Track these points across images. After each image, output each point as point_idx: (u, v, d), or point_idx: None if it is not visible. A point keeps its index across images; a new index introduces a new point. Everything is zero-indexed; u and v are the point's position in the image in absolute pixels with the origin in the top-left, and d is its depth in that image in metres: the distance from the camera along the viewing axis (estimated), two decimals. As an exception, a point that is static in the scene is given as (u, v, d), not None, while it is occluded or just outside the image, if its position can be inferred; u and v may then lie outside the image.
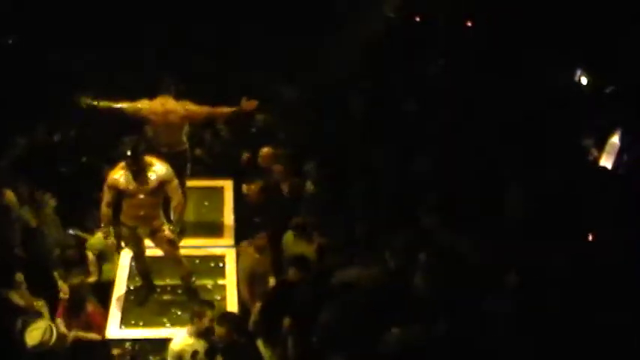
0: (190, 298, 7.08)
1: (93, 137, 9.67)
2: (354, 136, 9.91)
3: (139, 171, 6.51)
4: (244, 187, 8.15)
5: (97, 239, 7.64)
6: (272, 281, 7.32)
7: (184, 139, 7.63)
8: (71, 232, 8.11)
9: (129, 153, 6.53)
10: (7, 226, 7.63)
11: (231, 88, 10.62)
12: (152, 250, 7.11)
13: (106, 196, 6.65)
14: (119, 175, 6.58)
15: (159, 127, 7.43)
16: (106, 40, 11.60)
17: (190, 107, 7.43)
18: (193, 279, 7.22)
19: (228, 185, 8.63)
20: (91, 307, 6.91)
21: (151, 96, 7.46)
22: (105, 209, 6.67)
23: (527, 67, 10.82)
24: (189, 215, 8.03)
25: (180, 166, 7.36)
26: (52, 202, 8.03)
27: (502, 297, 6.57)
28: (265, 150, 8.53)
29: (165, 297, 7.21)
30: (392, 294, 6.80)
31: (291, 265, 6.82)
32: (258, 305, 6.93)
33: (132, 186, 6.55)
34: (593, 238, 7.70)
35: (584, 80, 10.71)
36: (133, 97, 7.54)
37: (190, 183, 8.02)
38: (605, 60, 10.23)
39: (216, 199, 8.52)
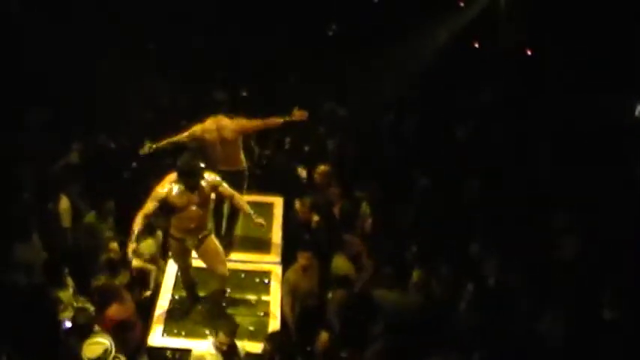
0: (214, 312, 7.06)
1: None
2: (404, 160, 9.88)
3: (194, 183, 6.48)
4: (297, 203, 8.17)
5: (146, 245, 7.74)
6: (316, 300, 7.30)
7: (242, 157, 7.66)
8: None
9: (185, 167, 6.42)
10: (59, 231, 7.82)
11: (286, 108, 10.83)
12: (198, 261, 7.15)
13: (148, 207, 6.41)
14: (168, 189, 6.46)
15: (216, 146, 7.47)
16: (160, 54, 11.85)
17: (241, 121, 7.53)
18: (226, 295, 7.23)
19: (278, 202, 8.63)
20: (112, 311, 6.81)
21: (202, 118, 7.56)
22: (141, 219, 6.32)
23: (586, 98, 10.67)
24: (238, 230, 8.07)
25: (238, 185, 7.37)
26: (111, 205, 8.19)
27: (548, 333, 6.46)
28: (322, 167, 8.55)
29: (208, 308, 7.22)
30: (434, 321, 6.75)
31: (336, 287, 6.86)
32: (294, 322, 6.97)
33: (184, 199, 6.48)
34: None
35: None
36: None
37: (240, 197, 8.05)
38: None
39: (265, 215, 8.50)
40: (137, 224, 6.28)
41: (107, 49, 11.36)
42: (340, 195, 8.39)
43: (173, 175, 6.50)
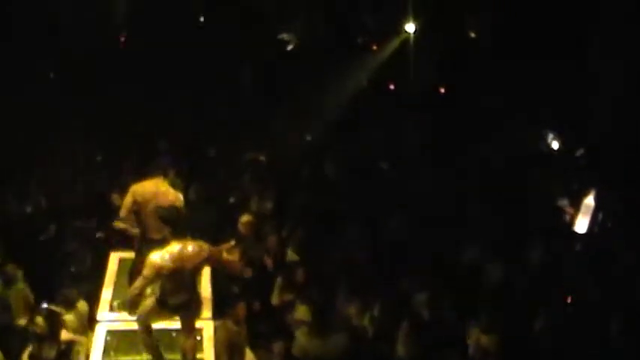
0: None
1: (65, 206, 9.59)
2: (329, 200, 9.95)
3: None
4: (224, 254, 8.07)
5: (72, 317, 7.49)
6: (249, 353, 7.19)
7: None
8: (44, 305, 7.91)
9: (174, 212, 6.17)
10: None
11: (210, 157, 10.80)
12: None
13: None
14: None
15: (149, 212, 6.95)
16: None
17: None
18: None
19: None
20: None
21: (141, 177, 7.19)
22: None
23: (498, 131, 11.05)
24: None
25: None
26: (20, 274, 7.88)
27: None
28: (246, 217, 8.51)
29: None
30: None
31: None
32: None
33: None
34: (571, 299, 7.73)
35: (555, 144, 10.95)
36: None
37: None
38: (574, 123, 10.49)
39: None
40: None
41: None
42: (277, 244, 8.40)
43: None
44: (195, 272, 6.30)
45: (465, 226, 9.13)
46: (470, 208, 9.65)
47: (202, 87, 12.81)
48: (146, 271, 6.07)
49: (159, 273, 6.08)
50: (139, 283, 6.13)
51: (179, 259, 6.07)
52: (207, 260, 6.25)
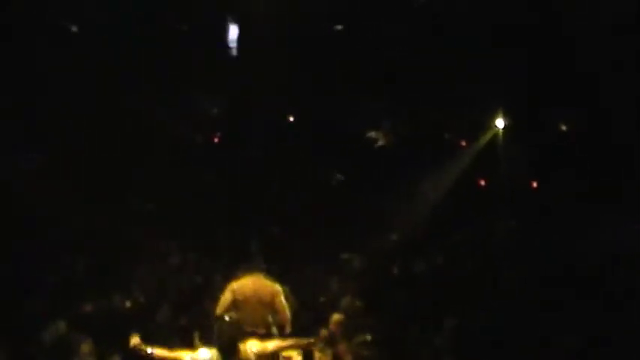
0: None
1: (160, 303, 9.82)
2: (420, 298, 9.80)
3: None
4: (317, 355, 8.02)
5: None
6: None
7: (270, 319, 7.45)
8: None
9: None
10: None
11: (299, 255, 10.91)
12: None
13: None
14: None
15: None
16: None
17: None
18: None
19: (295, 356, 8.45)
20: None
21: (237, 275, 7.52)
22: None
23: (591, 227, 10.75)
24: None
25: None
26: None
27: None
28: (337, 317, 8.48)
29: None
30: None
31: None
32: None
33: None
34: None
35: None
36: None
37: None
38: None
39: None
40: None
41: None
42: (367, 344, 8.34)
43: None
44: None
45: (557, 328, 8.81)
46: (563, 307, 9.32)
47: (290, 186, 13.08)
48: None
49: None
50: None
51: None
52: None
